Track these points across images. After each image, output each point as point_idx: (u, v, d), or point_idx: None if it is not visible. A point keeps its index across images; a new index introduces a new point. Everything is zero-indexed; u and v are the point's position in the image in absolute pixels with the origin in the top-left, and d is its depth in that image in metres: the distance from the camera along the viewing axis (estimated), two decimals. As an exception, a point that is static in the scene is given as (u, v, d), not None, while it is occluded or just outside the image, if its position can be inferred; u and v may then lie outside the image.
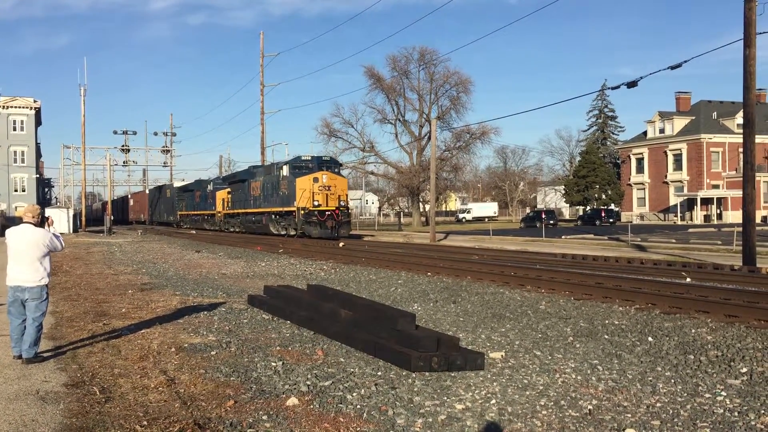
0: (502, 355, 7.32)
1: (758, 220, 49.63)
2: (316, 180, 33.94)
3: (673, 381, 6.30)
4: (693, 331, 8.39)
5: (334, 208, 33.71)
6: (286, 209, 35.67)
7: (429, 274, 15.78)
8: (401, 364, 6.76)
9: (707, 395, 5.84)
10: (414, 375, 6.46)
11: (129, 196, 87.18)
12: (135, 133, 73.99)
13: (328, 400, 5.65)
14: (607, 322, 9.17)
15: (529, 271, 15.40)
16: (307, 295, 10.38)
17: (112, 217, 54.62)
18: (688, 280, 13.45)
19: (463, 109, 68.85)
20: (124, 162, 72.65)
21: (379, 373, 6.57)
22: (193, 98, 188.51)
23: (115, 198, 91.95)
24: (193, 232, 50.05)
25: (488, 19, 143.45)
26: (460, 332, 8.64)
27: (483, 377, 6.45)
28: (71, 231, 50.77)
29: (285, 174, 35.97)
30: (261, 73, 54.99)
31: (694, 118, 69.41)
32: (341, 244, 28.03)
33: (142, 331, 8.88)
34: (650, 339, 8.02)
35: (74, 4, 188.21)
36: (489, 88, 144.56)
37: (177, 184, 65.25)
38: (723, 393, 5.89)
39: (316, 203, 33.35)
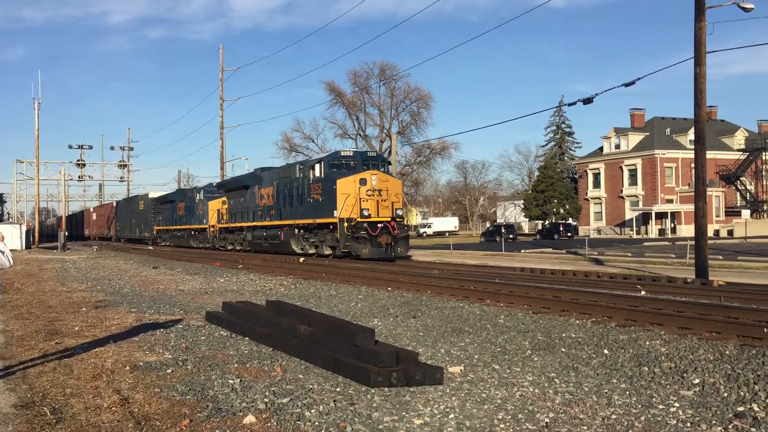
0: (461, 370, 7.35)
1: (710, 233, 50.88)
2: (363, 182, 25.82)
3: (627, 393, 6.39)
4: (647, 343, 8.54)
5: (389, 219, 25.74)
6: (319, 221, 27.50)
7: (389, 288, 15.78)
8: (360, 379, 6.73)
9: (661, 406, 5.94)
10: (373, 390, 6.44)
11: (91, 210, 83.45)
12: (91, 147, 72.67)
13: (286, 417, 5.60)
14: (564, 335, 9.28)
15: (488, 285, 15.51)
16: (266, 311, 10.29)
17: (67, 233, 53.16)
18: (643, 293, 13.70)
19: (423, 124, 69.66)
20: (79, 177, 71.14)
21: (338, 389, 6.53)
22: (152, 112, 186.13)
23: (71, 213, 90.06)
24: (151, 247, 48.76)
25: (449, 35, 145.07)
26: (419, 347, 8.65)
27: (442, 392, 6.46)
28: (24, 247, 49.48)
29: (318, 175, 27.65)
30: (221, 88, 54.71)
31: (648, 134, 71.08)
32: (302, 260, 27.78)
33: (96, 349, 8.69)
34: (606, 351, 8.14)
35: (30, 17, 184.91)
36: (449, 103, 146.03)
37: (153, 194, 57.25)
38: (676, 404, 6.00)
39: (365, 213, 25.37)
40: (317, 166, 28.09)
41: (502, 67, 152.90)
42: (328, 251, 27.77)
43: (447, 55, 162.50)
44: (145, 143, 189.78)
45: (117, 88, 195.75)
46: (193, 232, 45.55)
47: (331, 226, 26.64)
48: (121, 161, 74.66)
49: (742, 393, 6.26)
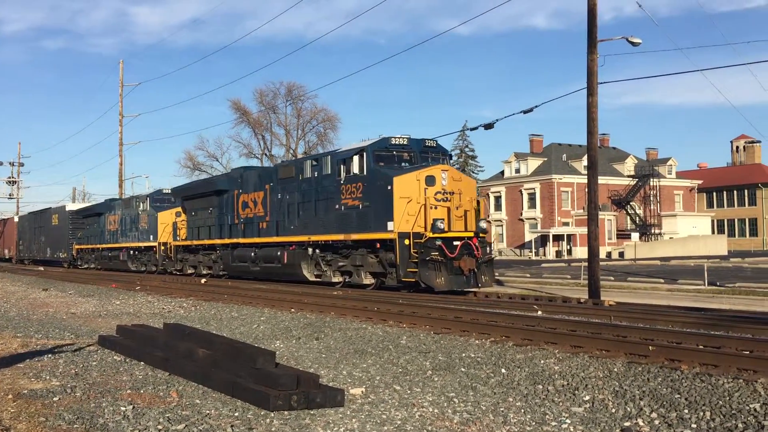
0: (362, 391, 7.35)
1: (603, 255, 53.33)
2: (430, 181, 18.87)
3: (523, 411, 6.57)
4: (542, 361, 8.82)
5: (471, 235, 19.10)
6: (356, 237, 20.20)
7: (293, 310, 15.64)
8: (260, 403, 6.62)
9: (553, 423, 6.14)
10: (272, 414, 6.34)
11: None
12: (-23, 162, 68.44)
13: (181, 445, 5.42)
14: (464, 355, 9.45)
15: (391, 306, 15.62)
16: (163, 334, 9.97)
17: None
18: (540, 312, 14.15)
19: (330, 145, 69.69)
20: (-37, 193, 66.89)
21: (236, 414, 6.39)
22: (47, 126, 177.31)
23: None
24: (41, 268, 45.47)
25: (358, 58, 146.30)
26: (321, 369, 8.60)
27: (342, 414, 6.44)
28: None
29: (358, 171, 20.18)
30: (120, 103, 52.99)
31: (546, 159, 74.00)
32: (203, 281, 27.03)
33: (-24, 377, 8.15)
34: (503, 371, 8.35)
35: None
36: (356, 124, 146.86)
37: (72, 206, 49.06)
38: (567, 420, 6.22)
39: (439, 225, 18.29)
40: (356, 158, 20.18)
41: (409, 91, 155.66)
42: (368, 280, 20.66)
43: (355, 77, 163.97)
44: (37, 158, 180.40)
45: (9, 99, 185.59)
46: (132, 252, 37.10)
47: (379, 244, 19.48)
48: (10, 177, 70.86)
49: (628, 409, 6.56)
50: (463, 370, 8.48)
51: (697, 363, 8.31)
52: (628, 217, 72.51)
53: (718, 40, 72.15)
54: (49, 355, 9.69)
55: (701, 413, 6.27)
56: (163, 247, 33.02)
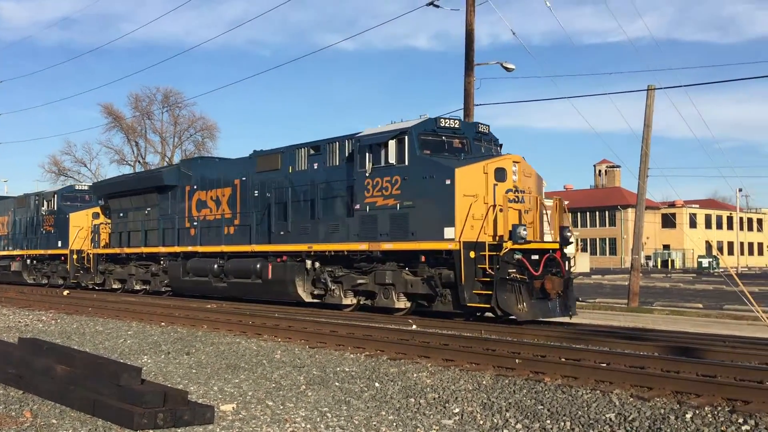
0: (233, 407, 7.17)
1: (476, 271, 54.96)
2: (500, 175, 14.49)
3: (395, 424, 6.64)
4: (415, 375, 8.96)
5: (556, 247, 14.84)
6: (390, 247, 15.47)
7: (162, 324, 15.06)
8: (123, 422, 6.31)
9: (424, 436, 6.24)
10: (136, 434, 6.06)
11: None
12: None
13: (33, 469, 5.06)
14: (338, 369, 9.44)
15: (267, 319, 15.40)
16: (18, 349, 9.30)
17: None
18: (414, 327, 14.38)
19: (207, 154, 67.90)
20: None
21: (97, 434, 6.06)
22: None
23: None
24: None
25: (239, 68, 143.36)
26: (191, 385, 8.33)
27: (212, 431, 6.24)
28: None
29: (393, 160, 15.36)
30: (-22, 100, 49.30)
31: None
32: (66, 293, 25.45)
33: None
34: (377, 384, 8.40)
35: None
36: (236, 134, 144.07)
37: None
38: (438, 433, 6.34)
39: (521, 233, 13.78)
40: (393, 143, 15.28)
41: (291, 103, 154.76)
42: (401, 303, 16.20)
43: (237, 88, 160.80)
44: None
45: None
46: (31, 261, 30.57)
47: (424, 257, 15.11)
48: None
49: (495, 420, 6.77)
50: (337, 384, 8.47)
51: (559, 375, 8.72)
52: (500, 235, 75.31)
53: (584, 69, 77.06)
54: None
55: (562, 423, 6.58)
56: (76, 256, 26.93)
